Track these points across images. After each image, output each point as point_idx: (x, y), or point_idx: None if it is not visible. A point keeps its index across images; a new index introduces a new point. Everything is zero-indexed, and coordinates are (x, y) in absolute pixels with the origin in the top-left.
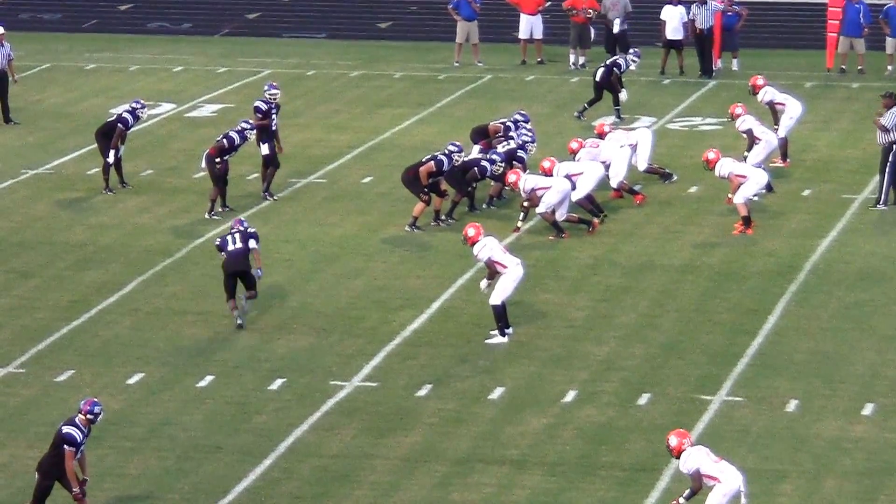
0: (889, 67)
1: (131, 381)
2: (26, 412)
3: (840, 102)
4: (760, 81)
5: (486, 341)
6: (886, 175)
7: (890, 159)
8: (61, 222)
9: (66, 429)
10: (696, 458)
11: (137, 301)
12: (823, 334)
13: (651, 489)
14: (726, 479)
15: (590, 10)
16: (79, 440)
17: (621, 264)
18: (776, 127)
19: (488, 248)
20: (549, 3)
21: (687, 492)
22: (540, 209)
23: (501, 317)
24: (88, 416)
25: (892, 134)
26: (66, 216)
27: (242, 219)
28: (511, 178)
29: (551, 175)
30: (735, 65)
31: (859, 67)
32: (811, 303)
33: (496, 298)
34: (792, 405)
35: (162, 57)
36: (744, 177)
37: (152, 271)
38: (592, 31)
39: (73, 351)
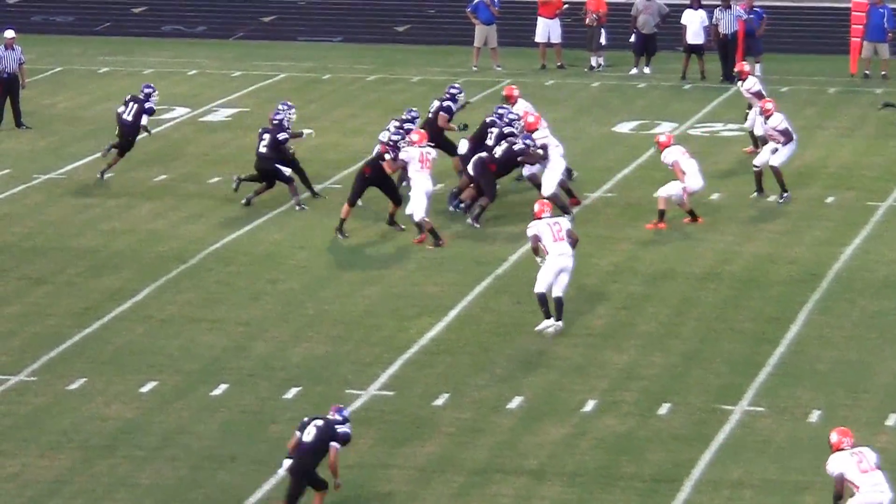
0: None
1: (144, 389)
2: (37, 421)
3: (864, 108)
4: (748, 68)
5: (536, 328)
6: None
7: None
8: (74, 228)
9: (342, 428)
10: (843, 463)
11: (151, 308)
12: (847, 343)
13: (672, 500)
14: (866, 491)
15: (593, 14)
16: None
17: (642, 272)
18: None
19: (536, 228)
20: (567, 6)
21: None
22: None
23: (542, 303)
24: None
25: None
26: (79, 222)
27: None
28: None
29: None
30: (758, 70)
31: (883, 73)
32: (834, 311)
33: (537, 286)
34: (814, 415)
35: (176, 60)
36: (684, 173)
37: (166, 278)
38: (604, 33)
39: (86, 358)
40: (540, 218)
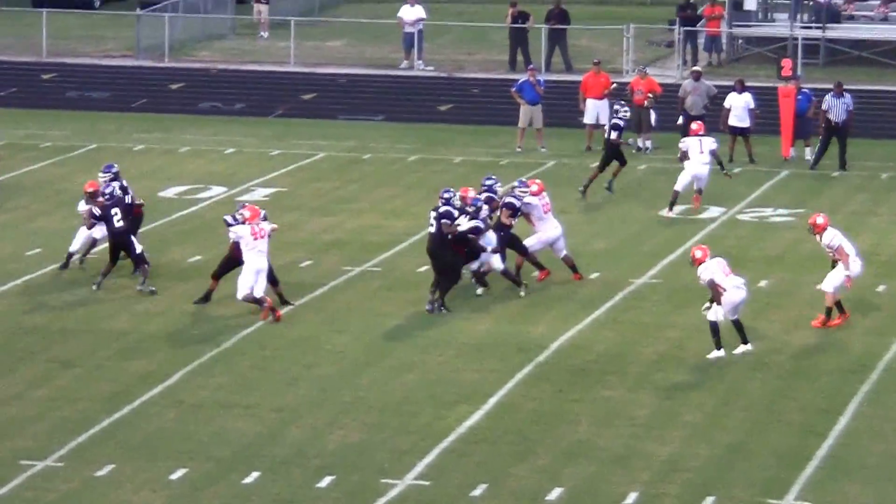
0: None
1: (174, 476)
2: None
3: None
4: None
5: (707, 356)
6: None
7: None
8: (105, 309)
9: None
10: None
11: (182, 393)
12: None
13: None
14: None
15: (649, 95)
16: None
17: (687, 361)
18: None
19: (709, 270)
20: (615, 86)
21: None
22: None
23: (715, 332)
24: None
25: None
26: (110, 303)
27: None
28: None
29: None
30: (808, 153)
31: None
32: (885, 403)
33: (711, 315)
34: None
35: (213, 138)
36: (847, 256)
37: (198, 361)
38: (653, 115)
39: (115, 444)
40: (704, 262)
